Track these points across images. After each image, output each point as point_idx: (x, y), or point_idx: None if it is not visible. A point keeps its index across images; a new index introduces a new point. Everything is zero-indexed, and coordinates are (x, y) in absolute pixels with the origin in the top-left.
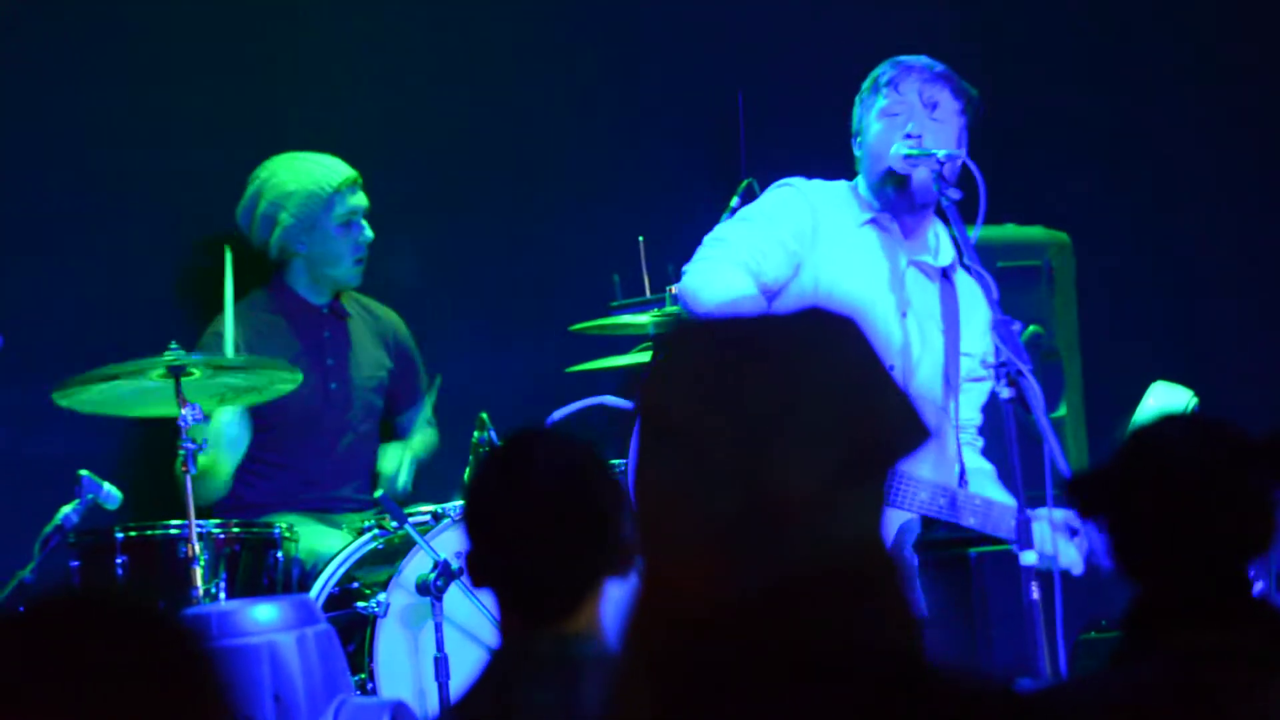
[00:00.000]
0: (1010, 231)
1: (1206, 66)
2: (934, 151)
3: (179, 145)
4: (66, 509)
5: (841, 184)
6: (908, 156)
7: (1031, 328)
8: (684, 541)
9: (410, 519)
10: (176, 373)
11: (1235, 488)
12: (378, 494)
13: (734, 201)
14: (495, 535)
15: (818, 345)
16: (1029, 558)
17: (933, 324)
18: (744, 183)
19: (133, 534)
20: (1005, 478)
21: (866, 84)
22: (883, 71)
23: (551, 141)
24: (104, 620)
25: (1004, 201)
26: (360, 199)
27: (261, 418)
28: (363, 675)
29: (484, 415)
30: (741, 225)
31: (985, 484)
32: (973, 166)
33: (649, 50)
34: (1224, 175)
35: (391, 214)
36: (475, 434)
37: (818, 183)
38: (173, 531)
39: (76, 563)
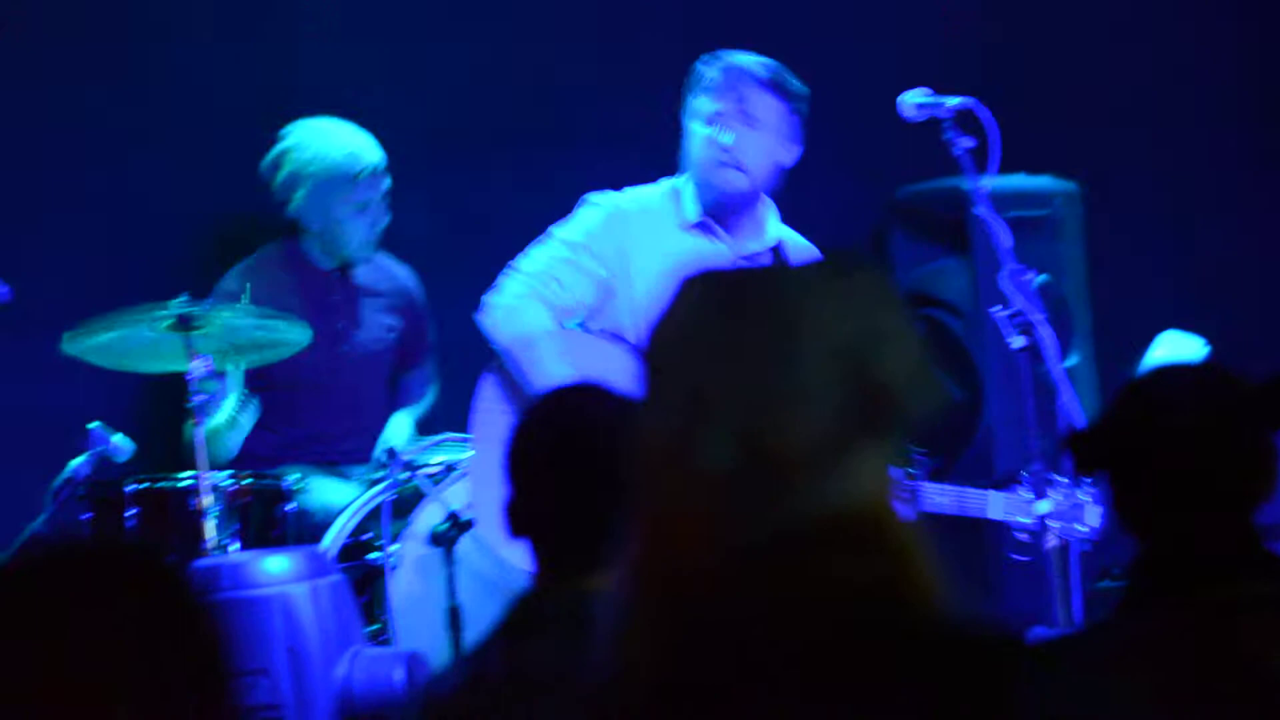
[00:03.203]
0: (1019, 181)
1: (1218, 13)
2: (944, 100)
3: (193, 93)
4: (76, 461)
5: (662, 189)
6: (921, 105)
7: (1042, 276)
8: (683, 493)
9: (421, 470)
10: (186, 323)
11: (1231, 436)
12: (386, 447)
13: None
14: (534, 486)
15: (825, 296)
16: (1043, 507)
17: None
18: None
19: (143, 486)
20: (1019, 428)
21: (693, 79)
22: (704, 72)
23: (567, 94)
24: (109, 571)
25: (1014, 151)
26: (380, 187)
27: (271, 380)
28: (377, 627)
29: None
30: (546, 253)
31: None
32: (985, 116)
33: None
34: (1235, 122)
35: (401, 165)
36: None
37: (630, 195)
38: (183, 484)
39: (88, 515)
